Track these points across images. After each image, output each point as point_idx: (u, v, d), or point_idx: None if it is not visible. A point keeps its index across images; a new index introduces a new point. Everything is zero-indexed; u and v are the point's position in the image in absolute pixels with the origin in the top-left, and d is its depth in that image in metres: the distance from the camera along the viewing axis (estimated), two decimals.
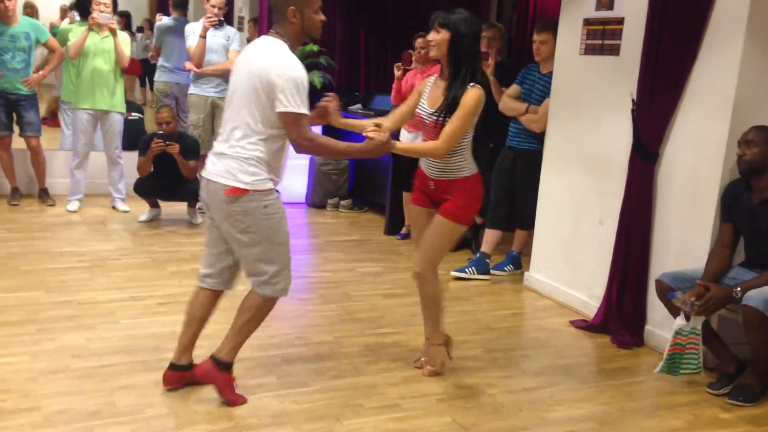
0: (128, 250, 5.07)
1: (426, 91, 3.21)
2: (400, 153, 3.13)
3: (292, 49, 2.84)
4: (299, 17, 2.84)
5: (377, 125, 2.95)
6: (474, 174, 3.22)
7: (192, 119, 6.18)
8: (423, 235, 3.30)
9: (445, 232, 3.22)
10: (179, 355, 3.06)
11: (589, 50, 4.34)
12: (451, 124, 3.04)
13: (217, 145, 2.90)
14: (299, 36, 2.89)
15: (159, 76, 6.75)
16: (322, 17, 2.92)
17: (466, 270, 4.98)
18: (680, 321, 3.30)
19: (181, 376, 3.05)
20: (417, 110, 3.21)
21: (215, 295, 3.06)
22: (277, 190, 2.89)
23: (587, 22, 4.34)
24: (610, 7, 4.16)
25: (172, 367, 3.05)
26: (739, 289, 3.22)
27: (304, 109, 2.74)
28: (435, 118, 3.09)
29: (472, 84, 3.05)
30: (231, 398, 2.98)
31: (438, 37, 3.05)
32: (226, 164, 2.81)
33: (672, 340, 3.31)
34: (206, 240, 3.04)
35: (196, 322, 3.05)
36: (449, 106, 3.05)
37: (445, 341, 3.36)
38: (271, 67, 2.72)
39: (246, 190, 2.77)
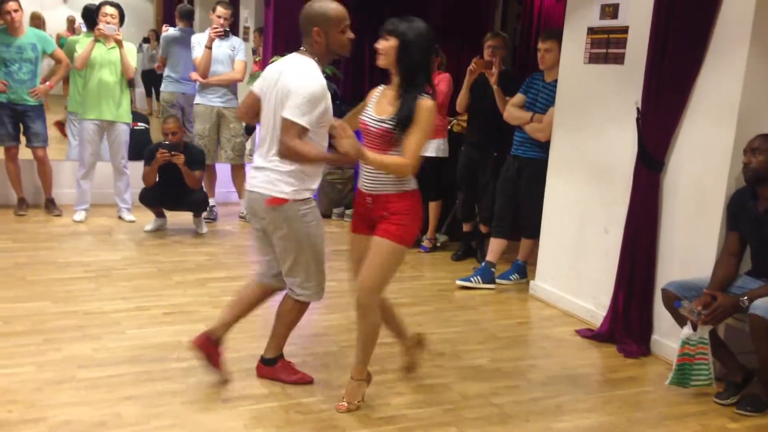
0: (134, 260, 5.08)
1: (373, 99, 3.09)
2: (369, 164, 2.92)
3: (321, 66, 2.94)
4: (323, 37, 2.93)
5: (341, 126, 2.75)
6: (414, 190, 3.02)
7: (198, 129, 6.20)
8: (364, 261, 3.02)
9: (388, 256, 2.95)
10: (215, 329, 3.18)
11: (593, 59, 4.34)
12: (414, 139, 2.89)
13: (257, 159, 3.05)
14: (326, 54, 2.98)
15: (165, 87, 6.79)
16: (350, 35, 2.99)
17: (472, 279, 4.98)
18: (687, 330, 3.28)
19: (209, 346, 3.17)
20: (361, 117, 3.06)
21: (271, 292, 3.25)
22: (315, 198, 3.05)
23: (592, 30, 4.34)
24: (615, 15, 4.17)
25: (205, 335, 3.17)
26: (746, 298, 3.21)
27: (302, 121, 2.82)
28: (388, 126, 2.92)
29: (422, 96, 2.92)
30: (293, 381, 3.28)
31: (386, 44, 2.93)
32: (267, 176, 2.97)
33: (680, 350, 3.30)
34: (257, 249, 3.26)
35: (246, 306, 3.23)
36: (405, 117, 2.90)
37: (368, 378, 3.17)
38: (293, 81, 2.86)
39: (286, 200, 2.94)
